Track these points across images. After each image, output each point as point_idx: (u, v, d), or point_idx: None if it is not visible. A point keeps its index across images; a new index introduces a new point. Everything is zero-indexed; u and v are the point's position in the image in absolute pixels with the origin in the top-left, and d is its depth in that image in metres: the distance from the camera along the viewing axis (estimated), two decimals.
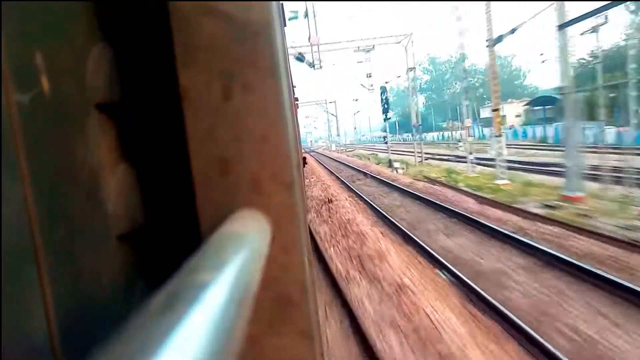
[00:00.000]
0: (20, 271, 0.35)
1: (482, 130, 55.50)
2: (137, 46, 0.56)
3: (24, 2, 0.39)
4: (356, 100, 72.08)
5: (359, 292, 5.97)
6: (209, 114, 0.51)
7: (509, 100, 66.43)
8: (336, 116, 64.97)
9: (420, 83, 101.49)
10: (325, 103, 65.99)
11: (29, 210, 0.36)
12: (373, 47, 27.09)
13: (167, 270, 0.32)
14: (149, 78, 0.57)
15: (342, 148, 62.75)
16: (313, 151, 73.01)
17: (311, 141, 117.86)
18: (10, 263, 0.33)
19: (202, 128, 0.51)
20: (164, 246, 0.57)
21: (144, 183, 0.57)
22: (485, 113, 65.72)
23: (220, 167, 0.52)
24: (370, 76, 30.12)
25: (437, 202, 11.96)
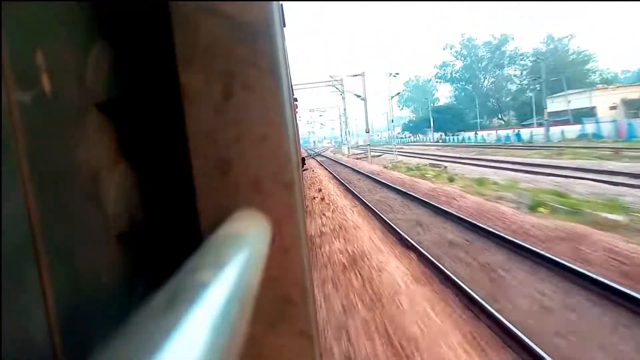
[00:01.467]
0: (20, 270, 0.35)
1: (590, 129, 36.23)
2: (137, 45, 0.56)
3: (24, 2, 0.39)
4: (396, 75, 38.38)
5: None
6: (209, 114, 0.51)
7: (600, 86, 50.59)
8: (365, 99, 33.67)
9: (452, 71, 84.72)
10: (341, 83, 36.98)
11: (29, 208, 0.36)
12: None
13: (167, 270, 0.32)
14: (150, 77, 0.57)
15: (359, 151, 39.82)
16: (319, 154, 52.05)
17: (314, 141, 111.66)
18: (10, 262, 0.33)
19: (203, 127, 0.51)
20: (164, 246, 0.57)
21: (144, 182, 0.57)
22: (555, 106, 48.92)
23: (221, 166, 0.52)
24: None
25: None
